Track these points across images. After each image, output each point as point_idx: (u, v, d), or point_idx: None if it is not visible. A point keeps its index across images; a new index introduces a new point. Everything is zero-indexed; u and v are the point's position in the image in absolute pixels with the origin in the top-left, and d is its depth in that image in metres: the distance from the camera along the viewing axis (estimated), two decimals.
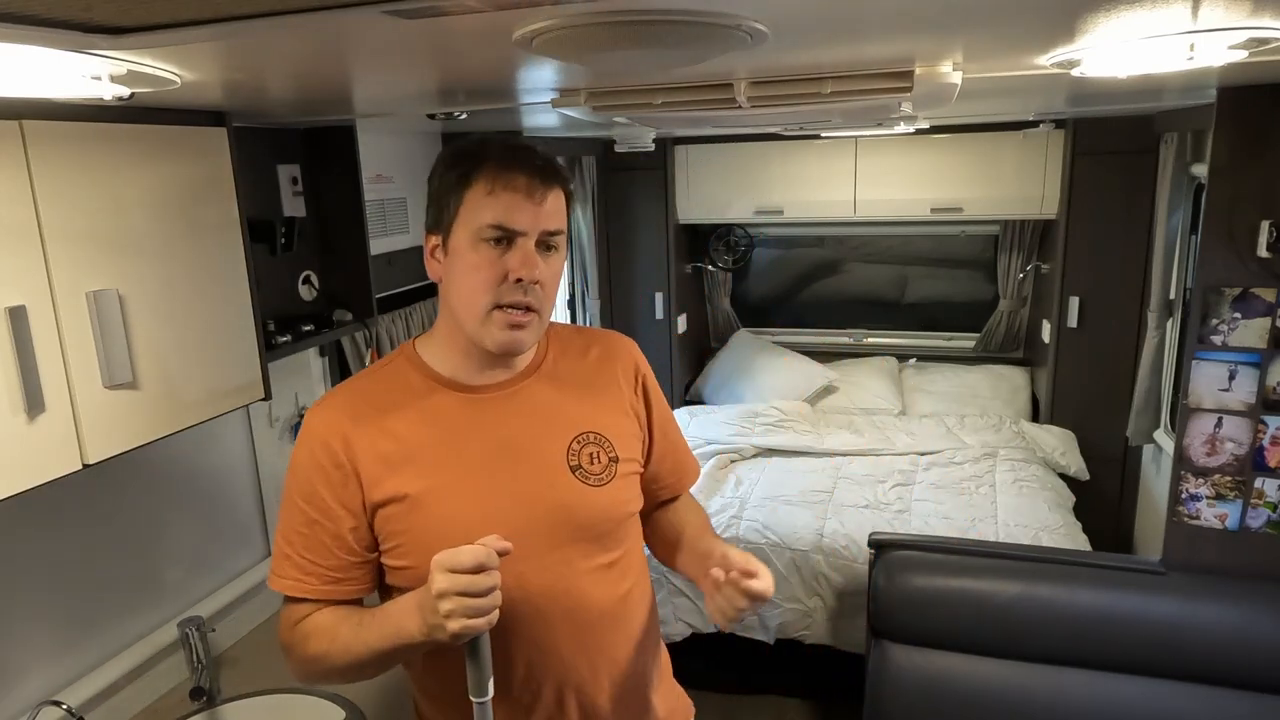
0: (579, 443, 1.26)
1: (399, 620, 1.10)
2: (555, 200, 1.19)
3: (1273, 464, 2.09)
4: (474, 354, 1.23)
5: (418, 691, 1.33)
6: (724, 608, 1.16)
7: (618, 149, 3.19)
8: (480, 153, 1.17)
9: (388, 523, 1.19)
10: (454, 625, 1.03)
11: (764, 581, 1.14)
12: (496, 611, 1.05)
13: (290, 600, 1.22)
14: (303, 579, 1.20)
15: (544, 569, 1.21)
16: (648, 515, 1.45)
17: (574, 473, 1.24)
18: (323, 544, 1.19)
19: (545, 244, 1.18)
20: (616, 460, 1.29)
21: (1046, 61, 1.27)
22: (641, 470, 1.37)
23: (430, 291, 2.87)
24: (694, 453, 1.55)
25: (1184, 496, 2.19)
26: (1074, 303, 3.77)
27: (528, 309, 1.17)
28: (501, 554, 1.05)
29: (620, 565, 1.30)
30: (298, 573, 1.20)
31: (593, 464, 1.26)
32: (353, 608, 1.21)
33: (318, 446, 1.19)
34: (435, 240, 1.22)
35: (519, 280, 1.15)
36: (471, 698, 1.10)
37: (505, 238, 1.16)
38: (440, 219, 1.20)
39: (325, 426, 1.20)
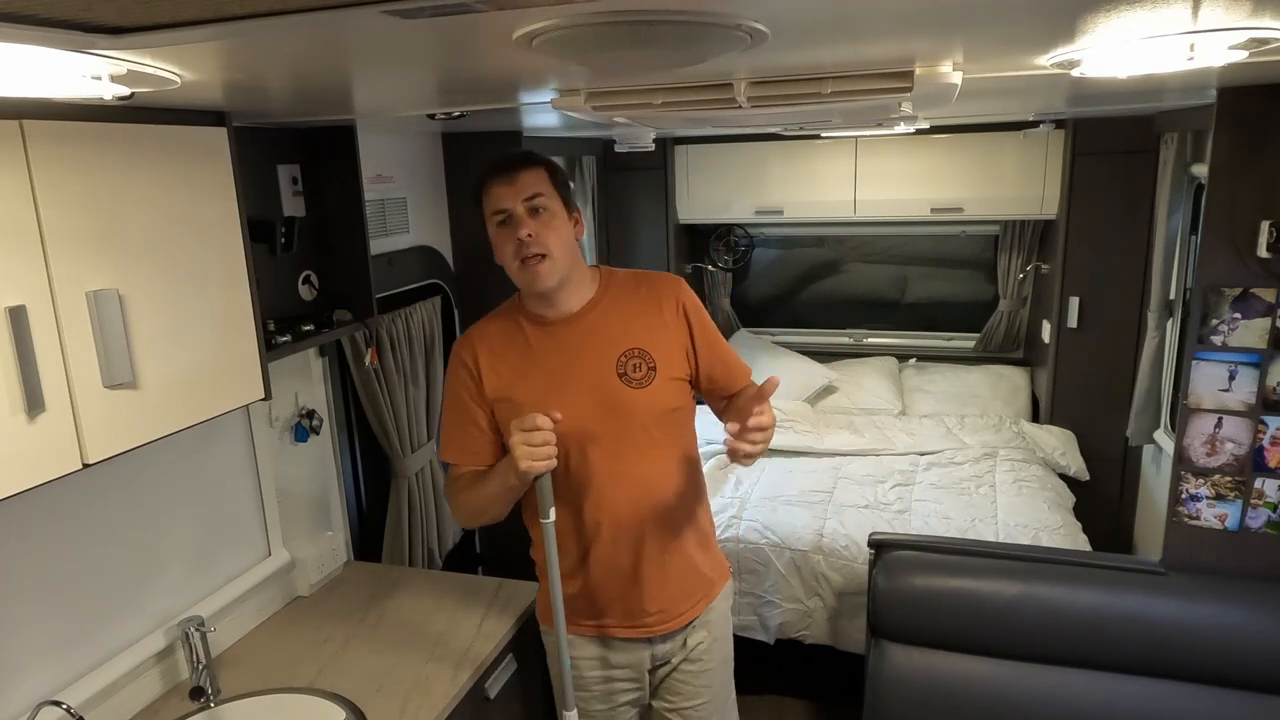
0: (625, 356, 1.74)
1: (503, 470, 1.67)
2: (527, 175, 1.67)
3: (1273, 464, 2.09)
4: (535, 299, 1.75)
5: (528, 522, 1.85)
6: (748, 450, 1.57)
7: (618, 149, 3.19)
8: (479, 176, 1.71)
9: (500, 413, 1.74)
10: (522, 465, 1.56)
11: (765, 417, 1.57)
12: (552, 460, 1.59)
13: (451, 465, 1.82)
14: (455, 451, 1.81)
15: (599, 444, 1.72)
16: (719, 404, 1.91)
17: (620, 379, 1.73)
18: (464, 429, 1.79)
19: (532, 208, 1.66)
20: (655, 370, 1.75)
21: (1046, 61, 1.26)
22: (687, 379, 1.81)
23: (429, 293, 2.89)
24: (694, 426, 1.91)
25: (1184, 496, 2.19)
26: (1074, 303, 3.77)
27: (535, 256, 1.65)
28: (555, 421, 1.57)
29: (665, 447, 1.78)
30: (453, 447, 1.81)
31: (635, 372, 1.74)
32: (483, 471, 1.76)
33: (460, 366, 1.79)
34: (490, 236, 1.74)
35: (520, 240, 1.65)
36: (540, 519, 1.65)
37: (505, 217, 1.67)
38: (485, 223, 1.73)
39: (465, 352, 1.79)
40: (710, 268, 4.85)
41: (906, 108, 1.78)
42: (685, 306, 1.81)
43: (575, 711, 1.78)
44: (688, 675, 1.89)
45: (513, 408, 1.69)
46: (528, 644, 2.15)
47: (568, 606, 1.80)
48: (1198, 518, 2.19)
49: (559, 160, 3.78)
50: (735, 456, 1.58)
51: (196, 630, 1.83)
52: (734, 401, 1.86)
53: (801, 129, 3.24)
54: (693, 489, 1.86)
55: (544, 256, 1.66)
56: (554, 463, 1.60)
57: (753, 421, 1.55)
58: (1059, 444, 3.77)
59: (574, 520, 1.76)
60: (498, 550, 3.29)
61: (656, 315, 1.79)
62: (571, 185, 1.76)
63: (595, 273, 1.83)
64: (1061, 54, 1.18)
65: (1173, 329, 3.44)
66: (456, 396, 1.79)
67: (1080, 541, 3.02)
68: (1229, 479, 2.14)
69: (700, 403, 1.91)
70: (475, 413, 1.77)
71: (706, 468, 3.59)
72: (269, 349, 1.81)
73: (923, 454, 3.77)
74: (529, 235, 1.64)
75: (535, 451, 1.56)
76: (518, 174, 1.66)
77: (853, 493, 3.39)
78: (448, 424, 1.82)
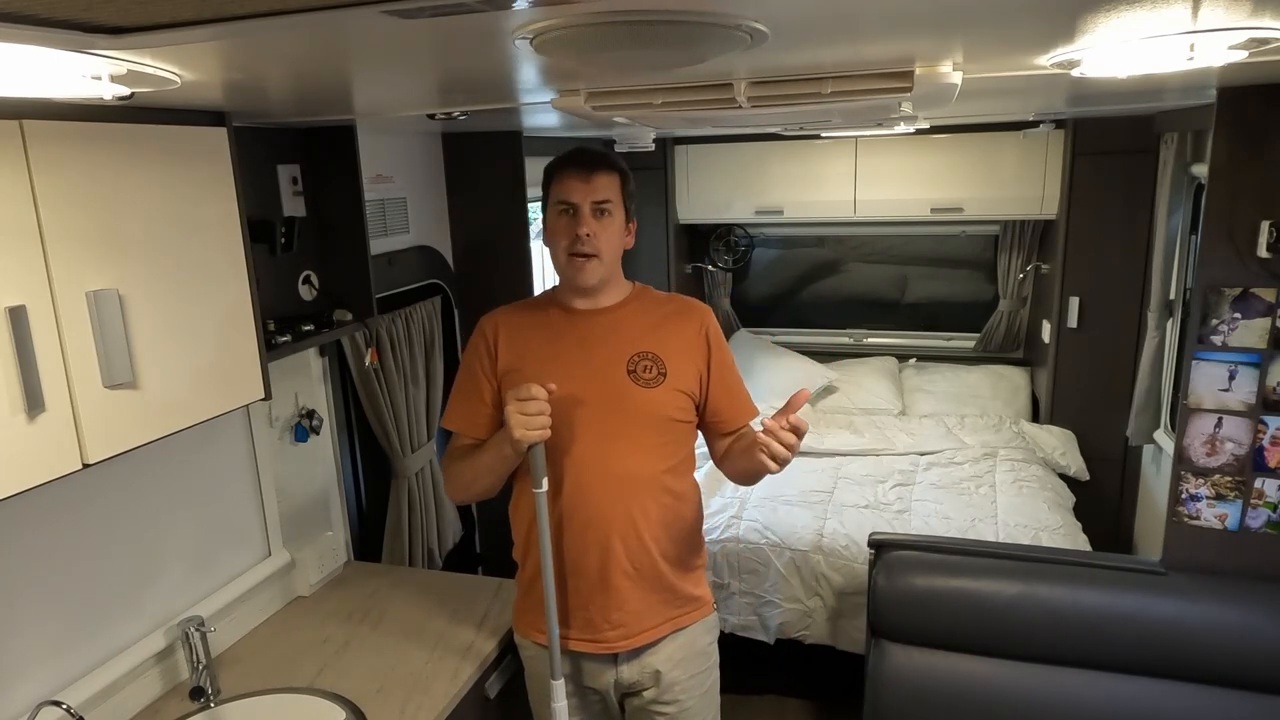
0: (639, 357, 1.77)
1: (498, 440, 1.71)
2: (603, 179, 1.72)
3: (1273, 464, 2.09)
4: (570, 289, 1.80)
5: (513, 509, 1.88)
6: (776, 450, 1.56)
7: (618, 149, 3.19)
8: (557, 160, 1.76)
9: (506, 385, 1.76)
10: (516, 433, 1.60)
11: (804, 423, 1.58)
12: (546, 430, 1.62)
13: (453, 434, 1.87)
14: (459, 420, 1.85)
15: (594, 432, 1.74)
16: (720, 443, 1.91)
17: (629, 375, 1.76)
18: (469, 400, 1.84)
19: (598, 210, 1.72)
20: (665, 375, 1.77)
21: (1046, 61, 1.27)
22: (694, 396, 1.82)
23: (430, 293, 2.89)
24: (694, 453, 1.90)
25: (1184, 496, 2.19)
26: (1074, 303, 3.77)
27: (587, 255, 1.72)
28: (550, 392, 1.61)
29: (657, 453, 1.78)
30: (457, 416, 1.85)
31: (645, 373, 1.77)
32: (480, 444, 1.79)
33: (480, 338, 1.85)
34: (542, 221, 1.82)
35: (577, 236, 1.70)
36: (533, 489, 1.68)
37: (569, 209, 1.72)
38: (543, 207, 1.82)
39: (487, 325, 1.85)
40: (710, 268, 4.85)
41: (906, 108, 1.78)
42: (709, 331, 1.85)
43: (563, 680, 1.78)
44: (667, 716, 1.86)
45: (519, 378, 1.72)
46: None
47: (534, 609, 1.82)
48: (1198, 518, 2.19)
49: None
50: (766, 450, 1.56)
51: (196, 630, 1.83)
52: (737, 445, 1.86)
53: (801, 129, 3.24)
54: (677, 507, 1.82)
55: (594, 257, 1.72)
56: (548, 433, 1.64)
57: (793, 419, 1.55)
58: (1059, 444, 3.77)
59: (551, 502, 1.75)
60: (497, 550, 3.29)
61: (679, 331, 1.83)
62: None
63: (631, 284, 1.87)
64: (1061, 54, 1.18)
65: (1173, 329, 3.44)
66: (469, 366, 1.85)
67: (1080, 541, 3.02)
68: (1229, 479, 2.14)
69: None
70: (482, 385, 1.82)
71: (707, 467, 3.58)
72: (269, 349, 1.80)
73: (923, 454, 3.77)
74: (588, 234, 1.70)
75: (530, 421, 1.60)
76: (596, 175, 1.71)
77: (853, 493, 3.39)
78: (455, 392, 1.87)
